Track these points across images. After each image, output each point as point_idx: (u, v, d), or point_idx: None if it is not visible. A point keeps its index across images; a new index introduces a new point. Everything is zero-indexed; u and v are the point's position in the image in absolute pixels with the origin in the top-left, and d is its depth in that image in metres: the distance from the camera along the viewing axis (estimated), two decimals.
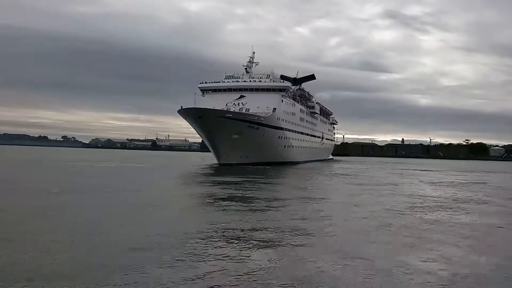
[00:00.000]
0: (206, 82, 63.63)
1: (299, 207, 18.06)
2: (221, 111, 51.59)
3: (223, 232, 11.77)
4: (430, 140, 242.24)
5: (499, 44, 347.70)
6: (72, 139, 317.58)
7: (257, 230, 12.15)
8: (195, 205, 18.66)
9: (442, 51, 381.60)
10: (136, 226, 12.55)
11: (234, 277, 7.83)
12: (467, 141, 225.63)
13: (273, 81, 63.81)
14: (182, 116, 52.82)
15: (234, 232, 11.76)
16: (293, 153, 68.89)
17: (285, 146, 64.20)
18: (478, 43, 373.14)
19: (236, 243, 10.44)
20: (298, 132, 72.24)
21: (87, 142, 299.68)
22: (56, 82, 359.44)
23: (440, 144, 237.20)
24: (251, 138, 52.45)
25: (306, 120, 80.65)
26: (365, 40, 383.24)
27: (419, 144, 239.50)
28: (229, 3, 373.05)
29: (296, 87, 79.61)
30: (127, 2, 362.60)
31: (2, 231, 11.27)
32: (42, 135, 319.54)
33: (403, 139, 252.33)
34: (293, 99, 70.87)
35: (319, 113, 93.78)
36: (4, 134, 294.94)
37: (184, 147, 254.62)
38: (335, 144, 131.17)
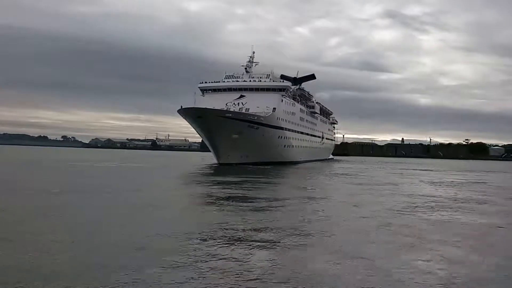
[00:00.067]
0: (206, 82, 63.63)
1: (299, 207, 18.08)
2: (221, 110, 51.57)
3: (223, 232, 11.77)
4: (430, 139, 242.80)
5: (499, 44, 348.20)
6: (72, 139, 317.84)
7: (257, 230, 12.15)
8: (195, 205, 18.66)
9: (442, 51, 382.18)
10: (136, 226, 12.55)
11: (234, 277, 7.83)
12: (467, 141, 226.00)
13: (273, 81, 63.79)
14: (182, 116, 52.81)
15: (235, 232, 11.76)
16: (293, 152, 68.88)
17: (285, 145, 64.19)
18: (478, 43, 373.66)
19: (236, 243, 10.43)
20: (298, 132, 72.21)
21: (87, 142, 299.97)
22: (56, 82, 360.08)
23: (440, 143, 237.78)
24: (251, 138, 52.43)
25: (306, 120, 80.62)
26: (365, 40, 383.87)
27: (419, 143, 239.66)
28: (229, 3, 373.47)
29: (296, 86, 79.57)
30: (127, 2, 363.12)
31: (2, 231, 11.27)
32: (42, 135, 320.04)
33: (403, 138, 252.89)
34: (293, 99, 70.84)
35: (319, 112, 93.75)
36: (4, 134, 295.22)
37: (184, 147, 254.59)
38: (335, 144, 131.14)
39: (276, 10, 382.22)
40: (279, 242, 10.75)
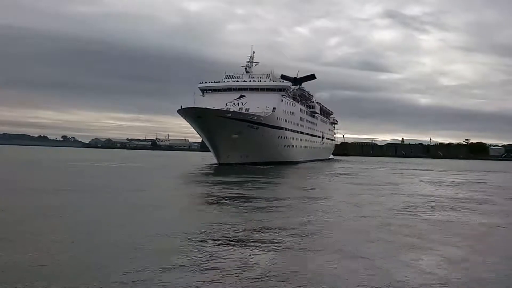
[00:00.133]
0: (206, 82, 63.64)
1: (300, 207, 18.06)
2: (221, 110, 51.57)
3: (223, 232, 11.76)
4: (430, 139, 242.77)
5: (498, 44, 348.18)
6: (72, 139, 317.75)
7: (257, 230, 12.14)
8: (195, 205, 18.64)
9: (442, 51, 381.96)
10: (136, 226, 12.54)
11: (235, 276, 7.82)
12: (467, 141, 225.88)
13: (273, 81, 63.81)
14: (182, 116, 52.81)
15: (235, 232, 11.76)
16: (293, 152, 68.89)
17: (285, 145, 64.20)
18: (478, 43, 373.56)
19: (236, 243, 10.43)
20: (298, 132, 72.22)
21: (87, 142, 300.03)
22: (56, 82, 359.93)
23: (440, 143, 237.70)
24: (250, 137, 52.44)
25: (306, 120, 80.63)
26: (365, 40, 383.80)
27: (419, 143, 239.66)
28: (229, 3, 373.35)
29: (296, 86, 79.53)
30: (127, 2, 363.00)
31: (2, 231, 11.27)
32: (42, 135, 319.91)
33: (403, 138, 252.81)
34: (293, 99, 70.83)
35: (319, 112, 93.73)
36: (4, 134, 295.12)
37: (184, 146, 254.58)
38: (335, 144, 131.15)
39: (276, 10, 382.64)
40: (279, 242, 10.74)
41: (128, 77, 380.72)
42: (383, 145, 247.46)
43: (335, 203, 20.28)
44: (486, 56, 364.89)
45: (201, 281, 7.53)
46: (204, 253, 9.38)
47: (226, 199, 19.33)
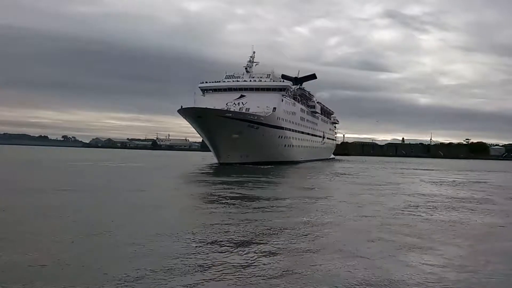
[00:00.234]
0: (206, 82, 63.64)
1: (300, 207, 18.05)
2: (221, 110, 51.55)
3: (223, 232, 11.75)
4: (431, 139, 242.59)
5: (498, 43, 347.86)
6: (72, 139, 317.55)
7: (257, 230, 12.14)
8: (196, 205, 18.62)
9: (442, 51, 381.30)
10: (136, 226, 12.53)
11: (235, 276, 7.81)
12: (467, 141, 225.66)
13: (273, 81, 63.81)
14: (182, 116, 52.81)
15: (235, 232, 11.74)
16: (294, 152, 68.87)
17: (285, 145, 64.19)
18: (478, 43, 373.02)
19: (237, 243, 10.42)
20: (298, 132, 72.19)
21: (87, 142, 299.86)
22: (56, 82, 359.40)
23: (440, 143, 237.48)
24: (251, 137, 52.43)
25: (307, 120, 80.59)
26: (365, 40, 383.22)
27: (419, 143, 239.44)
28: (229, 3, 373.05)
29: (296, 86, 79.56)
30: (127, 2, 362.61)
31: (2, 231, 11.27)
32: (42, 135, 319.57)
33: (403, 138, 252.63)
34: (294, 99, 70.79)
35: (320, 112, 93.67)
36: (4, 134, 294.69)
37: (185, 146, 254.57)
38: (336, 144, 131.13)
39: (276, 10, 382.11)
40: (280, 242, 10.73)
41: (128, 77, 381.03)
42: (383, 145, 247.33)
43: (336, 203, 20.26)
44: (486, 56, 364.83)
45: (202, 281, 7.52)
46: (205, 253, 9.37)
47: (227, 199, 19.32)
